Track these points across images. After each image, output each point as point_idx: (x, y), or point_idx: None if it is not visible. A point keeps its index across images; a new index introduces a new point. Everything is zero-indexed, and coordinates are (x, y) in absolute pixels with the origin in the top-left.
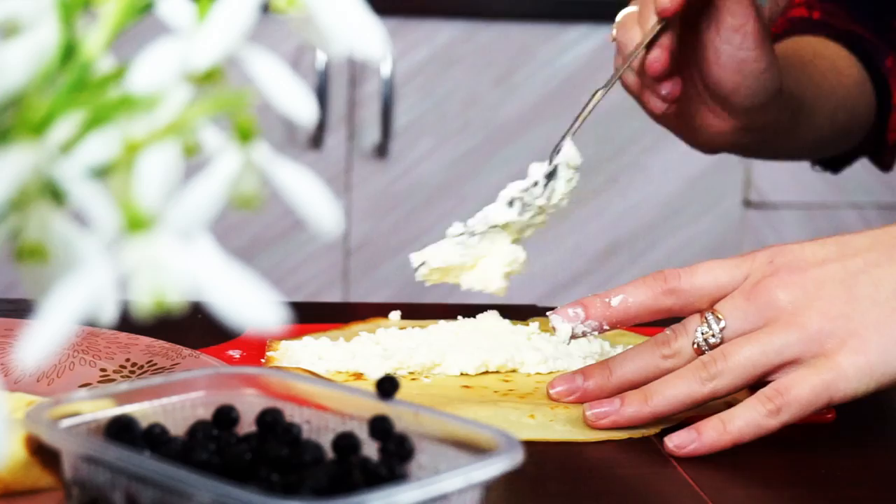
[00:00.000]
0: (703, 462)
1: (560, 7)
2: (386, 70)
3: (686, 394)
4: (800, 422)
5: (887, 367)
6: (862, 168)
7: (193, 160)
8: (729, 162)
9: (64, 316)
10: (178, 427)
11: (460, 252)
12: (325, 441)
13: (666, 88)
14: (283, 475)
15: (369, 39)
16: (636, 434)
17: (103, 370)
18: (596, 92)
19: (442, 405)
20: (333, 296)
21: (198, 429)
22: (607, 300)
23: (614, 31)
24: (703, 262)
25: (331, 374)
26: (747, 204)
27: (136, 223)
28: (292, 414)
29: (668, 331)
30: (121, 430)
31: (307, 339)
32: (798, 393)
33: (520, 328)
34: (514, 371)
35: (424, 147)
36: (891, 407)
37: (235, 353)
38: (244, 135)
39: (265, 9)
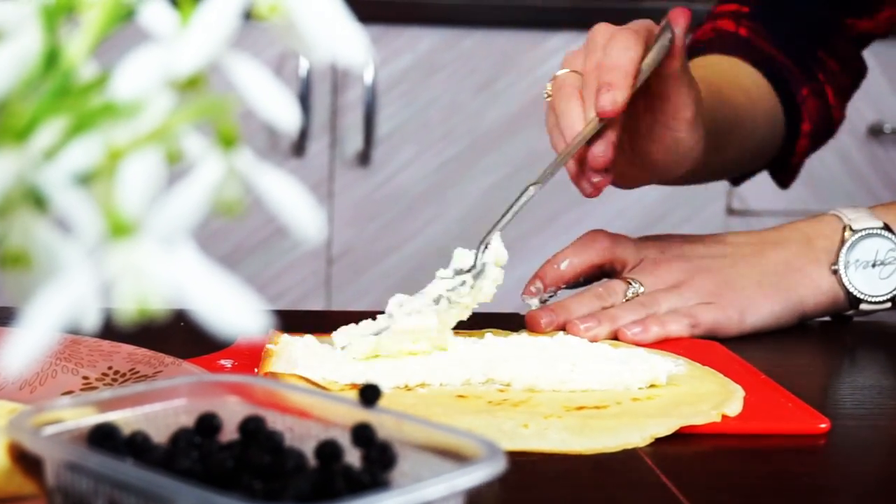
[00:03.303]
0: (691, 474)
1: (542, 14)
2: (368, 77)
3: (635, 317)
4: (795, 433)
5: (748, 317)
6: (844, 175)
7: (176, 167)
8: None
9: (46, 323)
10: (160, 434)
11: (383, 343)
12: (308, 449)
13: (600, 178)
14: (266, 482)
15: (352, 46)
16: (629, 445)
17: (86, 378)
18: (528, 187)
19: (437, 415)
20: (316, 303)
21: (180, 436)
22: (556, 266)
23: (549, 90)
24: (617, 235)
25: (326, 383)
26: (730, 211)
27: (118, 230)
28: (275, 421)
29: (600, 289)
30: (103, 437)
31: (309, 338)
32: (703, 318)
33: (521, 341)
34: (509, 385)
35: (407, 154)
36: (875, 416)
37: (227, 363)
38: (227, 141)
39: (248, 16)
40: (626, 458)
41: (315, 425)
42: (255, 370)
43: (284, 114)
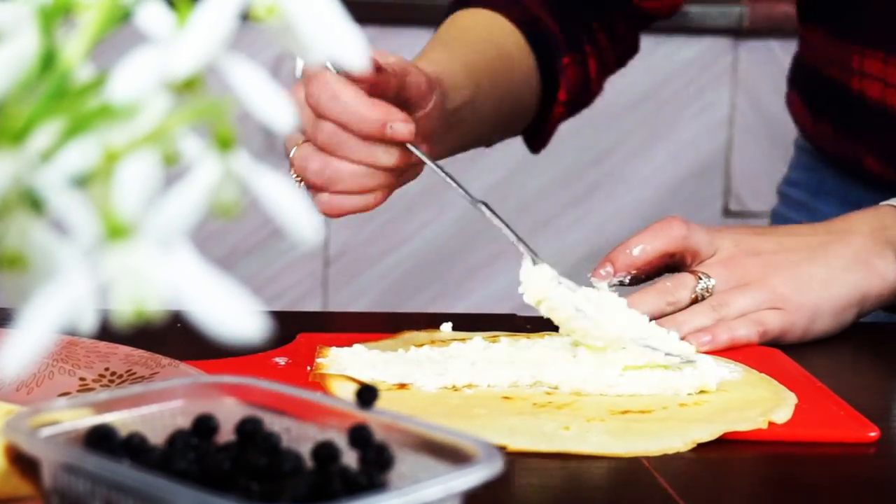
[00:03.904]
0: (695, 481)
1: None
2: None
3: (703, 323)
4: (842, 441)
5: (814, 325)
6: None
7: (173, 169)
8: (709, 170)
9: (43, 325)
10: (157, 436)
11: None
12: (305, 450)
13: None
14: (263, 484)
15: (349, 48)
16: (670, 450)
17: (82, 379)
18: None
19: (479, 416)
20: (313, 304)
21: (177, 438)
22: (628, 251)
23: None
24: (692, 224)
25: (376, 384)
26: (727, 213)
27: (115, 232)
28: (272, 423)
29: (668, 283)
30: (100, 439)
31: (357, 347)
32: (771, 324)
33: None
34: (556, 387)
35: None
36: (879, 418)
37: (281, 360)
38: (224, 143)
39: (244, 17)
40: (636, 472)
41: (312, 427)
42: (308, 368)
43: (281, 115)
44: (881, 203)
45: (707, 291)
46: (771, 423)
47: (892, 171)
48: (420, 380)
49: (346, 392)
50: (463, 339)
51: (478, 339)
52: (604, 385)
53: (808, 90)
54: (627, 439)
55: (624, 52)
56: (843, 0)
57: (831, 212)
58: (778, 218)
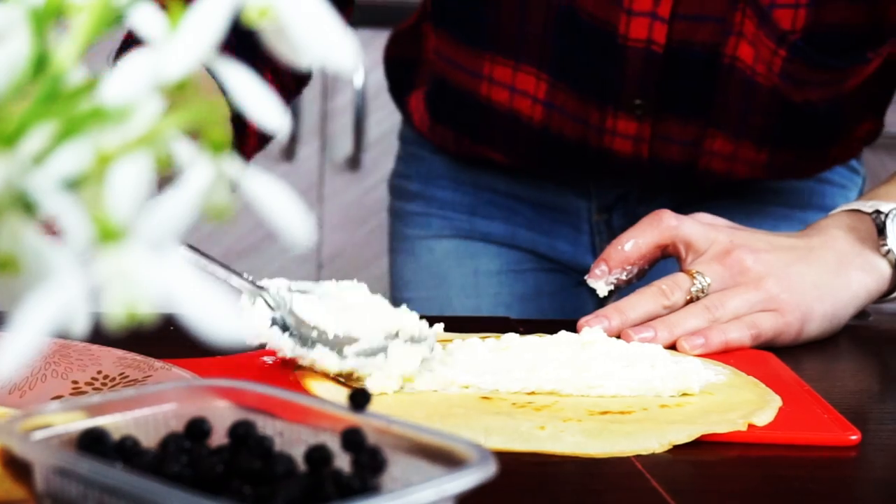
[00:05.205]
0: (686, 482)
1: None
2: (358, 82)
3: (696, 325)
4: (823, 444)
5: (807, 327)
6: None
7: (165, 172)
8: None
9: (36, 328)
10: (150, 439)
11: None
12: (298, 453)
13: None
14: (256, 488)
15: (341, 51)
16: (645, 451)
17: (75, 382)
18: None
19: (456, 416)
20: None
21: (170, 441)
22: (620, 247)
23: None
24: (681, 216)
25: (345, 374)
26: None
27: (107, 235)
28: (264, 426)
29: (663, 286)
30: (93, 442)
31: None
32: (765, 327)
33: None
34: (534, 393)
35: None
36: (867, 420)
37: (268, 360)
38: (216, 146)
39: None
40: (621, 468)
41: (305, 430)
42: (294, 369)
43: (274, 118)
44: (831, 212)
45: (702, 292)
46: (751, 426)
47: (517, 161)
48: (381, 383)
49: (324, 391)
50: (450, 340)
51: (464, 342)
52: (583, 386)
53: (431, 94)
54: (603, 439)
55: (302, 79)
56: (475, 11)
57: (445, 196)
58: (398, 213)
